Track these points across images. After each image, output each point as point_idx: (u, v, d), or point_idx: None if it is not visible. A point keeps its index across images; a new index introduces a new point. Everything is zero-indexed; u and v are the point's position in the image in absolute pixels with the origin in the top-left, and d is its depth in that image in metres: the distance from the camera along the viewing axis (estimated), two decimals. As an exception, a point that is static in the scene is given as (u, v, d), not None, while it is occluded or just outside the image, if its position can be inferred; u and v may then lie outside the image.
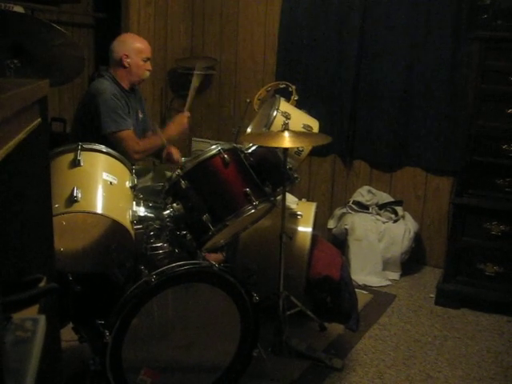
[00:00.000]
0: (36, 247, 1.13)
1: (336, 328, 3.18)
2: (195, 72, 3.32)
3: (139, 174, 2.75)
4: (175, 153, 3.32)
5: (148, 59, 3.24)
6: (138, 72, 3.21)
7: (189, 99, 3.29)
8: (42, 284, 1.08)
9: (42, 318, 0.95)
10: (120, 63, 3.17)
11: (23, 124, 0.90)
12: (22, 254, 1.11)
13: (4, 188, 1.04)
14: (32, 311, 1.01)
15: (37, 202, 1.12)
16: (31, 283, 1.06)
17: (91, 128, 3.01)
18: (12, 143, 0.78)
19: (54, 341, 1.12)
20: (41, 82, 1.00)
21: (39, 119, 1.03)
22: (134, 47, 3.19)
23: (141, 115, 3.36)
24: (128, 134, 3.03)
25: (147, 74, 3.26)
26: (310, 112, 3.14)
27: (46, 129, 1.11)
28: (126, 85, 3.21)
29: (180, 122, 3.26)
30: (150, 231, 2.36)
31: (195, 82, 3.27)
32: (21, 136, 0.86)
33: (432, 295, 3.68)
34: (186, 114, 3.28)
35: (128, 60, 3.16)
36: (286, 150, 2.55)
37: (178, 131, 3.26)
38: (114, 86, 3.13)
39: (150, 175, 3.30)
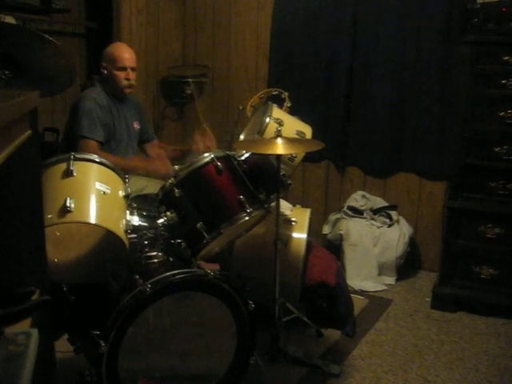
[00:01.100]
0: (28, 259, 1.12)
1: (332, 334, 3.17)
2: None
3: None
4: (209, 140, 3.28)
5: (123, 68, 3.18)
6: (114, 81, 3.19)
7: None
8: (34, 297, 1.07)
9: (35, 332, 0.94)
10: (101, 73, 3.18)
11: (13, 136, 0.89)
12: (14, 266, 1.10)
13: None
14: (25, 325, 1.00)
15: (28, 213, 1.11)
16: (23, 296, 1.05)
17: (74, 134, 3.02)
18: (2, 156, 0.78)
19: (48, 354, 1.11)
20: (31, 94, 0.99)
21: (29, 131, 1.03)
22: (109, 57, 3.19)
23: (137, 126, 3.35)
24: (90, 144, 2.98)
25: (125, 83, 3.20)
26: (303, 118, 3.14)
27: (37, 140, 1.11)
28: (113, 94, 3.21)
29: (156, 166, 3.18)
30: (144, 240, 2.35)
31: None
32: (11, 148, 0.85)
33: (428, 299, 3.68)
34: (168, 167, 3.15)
35: (105, 71, 3.17)
36: (279, 156, 2.55)
37: (149, 170, 3.17)
38: (102, 95, 3.12)
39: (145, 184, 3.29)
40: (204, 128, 3.40)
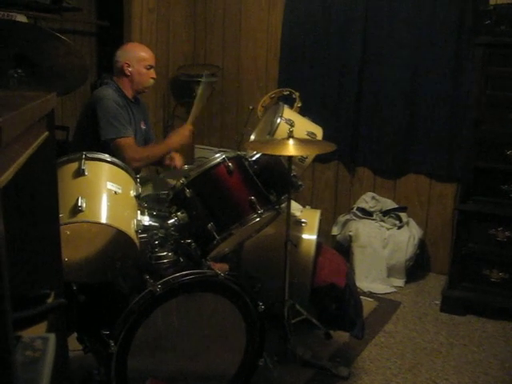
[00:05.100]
0: (44, 261, 1.11)
1: (341, 336, 3.16)
2: (202, 80, 3.30)
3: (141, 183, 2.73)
4: (178, 159, 3.31)
5: (151, 67, 3.25)
6: (140, 80, 3.22)
7: (193, 111, 3.26)
8: (50, 300, 1.06)
9: (52, 337, 0.93)
10: (122, 71, 3.18)
11: (32, 139, 0.89)
12: (29, 267, 1.10)
13: (12, 202, 1.02)
14: (40, 328, 0.99)
15: (45, 214, 1.10)
16: (39, 299, 1.04)
17: (91, 135, 3.02)
18: (22, 159, 0.77)
19: (63, 357, 1.10)
20: (49, 96, 0.99)
21: (47, 133, 1.02)
22: (135, 55, 3.21)
23: (144, 127, 3.36)
24: (127, 141, 3.02)
25: (151, 81, 3.28)
26: (313, 119, 3.13)
27: (53, 142, 1.10)
28: (129, 94, 3.22)
29: (183, 133, 3.23)
30: (155, 240, 2.35)
31: (201, 94, 3.24)
32: (30, 151, 0.85)
33: (437, 302, 3.67)
34: (189, 127, 3.26)
35: (130, 68, 3.18)
36: (290, 157, 2.54)
37: (180, 143, 3.22)
38: (118, 94, 3.13)
39: (151, 184, 3.29)
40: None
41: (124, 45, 3.34)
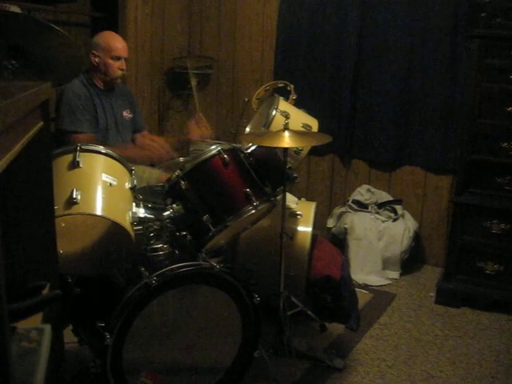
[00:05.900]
0: (39, 251, 1.11)
1: (336, 328, 3.17)
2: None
3: None
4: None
5: (119, 58, 3.18)
6: (107, 71, 3.17)
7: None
8: (45, 291, 1.05)
9: (48, 328, 0.92)
10: (90, 62, 3.15)
11: (27, 128, 0.88)
12: (25, 258, 1.09)
13: (7, 192, 1.02)
14: (35, 319, 0.98)
15: (40, 205, 1.10)
16: (34, 290, 1.03)
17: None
18: (16, 148, 0.77)
19: (58, 348, 1.10)
20: (43, 86, 0.98)
21: (42, 122, 1.01)
22: (102, 45, 3.17)
23: (128, 115, 3.32)
24: (81, 137, 2.97)
25: (119, 73, 3.21)
26: (309, 111, 3.12)
27: (49, 132, 1.09)
28: (100, 84, 3.19)
29: (155, 150, 3.21)
30: (150, 232, 2.34)
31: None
32: (25, 140, 0.84)
33: (432, 294, 3.67)
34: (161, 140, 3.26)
35: (95, 58, 3.15)
36: (285, 149, 2.54)
37: (145, 158, 3.17)
38: (84, 86, 3.10)
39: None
40: (198, 116, 3.38)
41: (97, 34, 3.29)
